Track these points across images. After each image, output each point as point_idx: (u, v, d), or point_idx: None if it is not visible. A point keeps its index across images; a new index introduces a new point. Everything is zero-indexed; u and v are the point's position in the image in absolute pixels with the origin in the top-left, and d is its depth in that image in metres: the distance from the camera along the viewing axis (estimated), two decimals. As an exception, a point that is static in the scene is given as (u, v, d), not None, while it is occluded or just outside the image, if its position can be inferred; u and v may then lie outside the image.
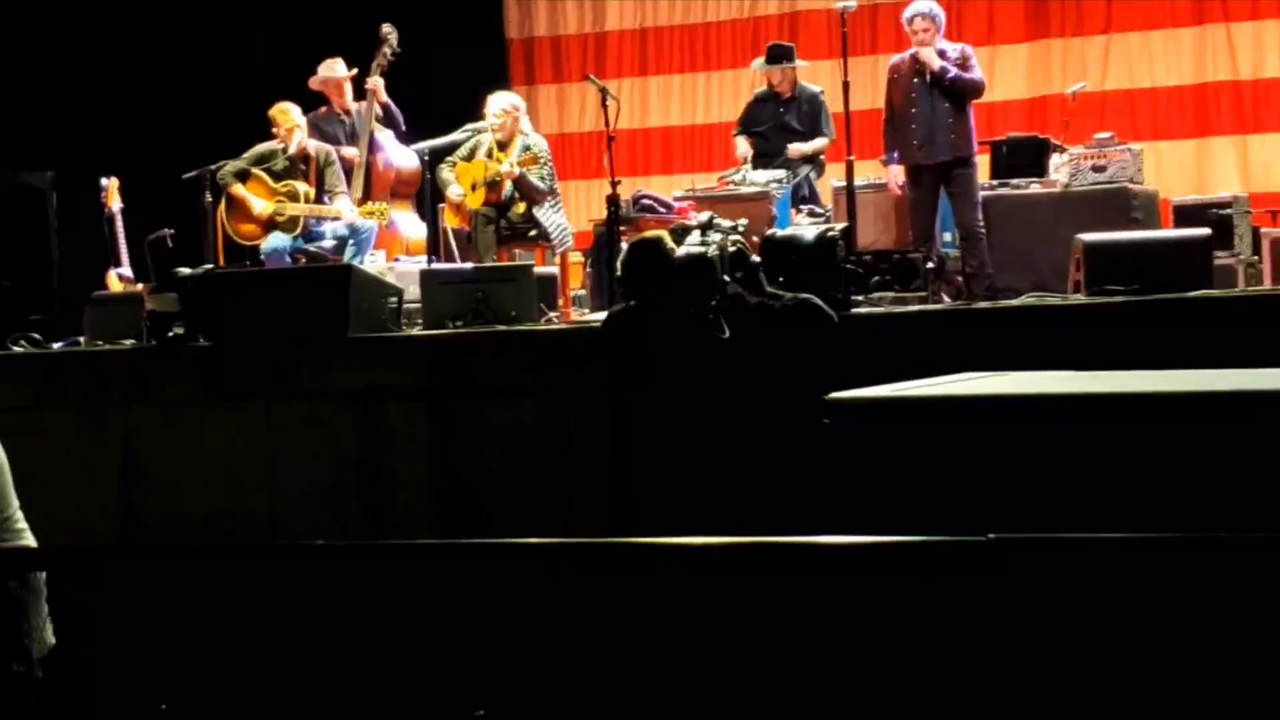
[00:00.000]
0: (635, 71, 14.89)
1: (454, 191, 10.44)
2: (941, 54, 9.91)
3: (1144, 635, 2.90)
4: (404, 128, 11.27)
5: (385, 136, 11.24)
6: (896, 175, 10.27)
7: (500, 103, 10.57)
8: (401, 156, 11.09)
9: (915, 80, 9.92)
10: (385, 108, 11.28)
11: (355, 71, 11.31)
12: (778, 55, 11.38)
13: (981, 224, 9.84)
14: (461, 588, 4.10)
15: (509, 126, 10.45)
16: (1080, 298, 7.55)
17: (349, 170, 11.09)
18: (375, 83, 11.20)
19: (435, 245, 10.65)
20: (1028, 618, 2.89)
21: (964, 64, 9.93)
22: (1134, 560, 2.73)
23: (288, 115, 10.84)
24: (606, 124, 9.80)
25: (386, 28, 11.25)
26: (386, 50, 11.21)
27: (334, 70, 11.37)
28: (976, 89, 9.96)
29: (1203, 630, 2.89)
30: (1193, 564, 2.73)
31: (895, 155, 10.22)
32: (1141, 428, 3.50)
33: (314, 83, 11.42)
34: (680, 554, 3.16)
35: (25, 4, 13.32)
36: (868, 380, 4.23)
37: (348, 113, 11.39)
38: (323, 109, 11.48)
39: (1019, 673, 2.94)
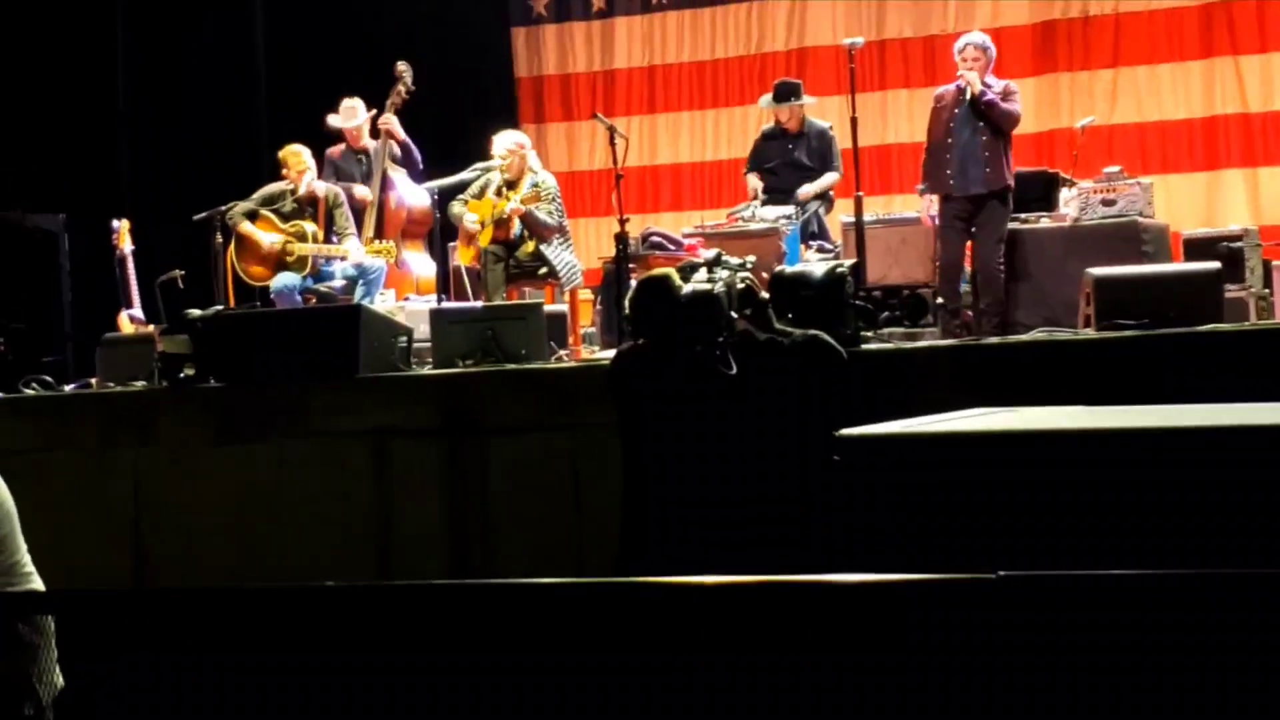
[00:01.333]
0: (644, 109, 14.94)
1: (469, 219, 10.44)
2: (988, 87, 9.89)
3: (1155, 674, 2.89)
4: (421, 165, 11.27)
5: (398, 175, 11.25)
6: (929, 206, 10.26)
7: (505, 142, 10.60)
8: (414, 195, 11.10)
9: (957, 110, 9.88)
10: (404, 146, 11.29)
11: (374, 113, 11.32)
12: (785, 93, 11.40)
13: (1002, 263, 9.77)
14: (471, 629, 4.08)
15: (516, 165, 10.47)
16: (1090, 332, 7.53)
17: (361, 209, 11.11)
18: (388, 120, 11.22)
19: (445, 284, 10.67)
20: (1036, 656, 2.88)
21: (1005, 96, 9.92)
22: (1144, 598, 2.72)
23: (299, 158, 10.88)
24: (615, 162, 9.82)
25: (401, 66, 11.26)
26: (401, 88, 11.23)
27: (354, 111, 11.37)
28: (1010, 119, 9.91)
29: (1216, 667, 2.88)
30: (1203, 601, 2.71)
31: (929, 185, 10.21)
32: (1152, 463, 3.49)
33: (333, 122, 11.42)
34: (690, 593, 3.15)
35: (36, 48, 13.37)
36: (877, 416, 4.22)
37: (365, 152, 11.40)
38: (339, 147, 11.50)
39: (1027, 712, 2.92)
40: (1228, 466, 3.43)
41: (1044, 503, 3.50)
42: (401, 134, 11.23)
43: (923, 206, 10.60)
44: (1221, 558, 3.28)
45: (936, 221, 10.16)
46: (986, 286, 9.79)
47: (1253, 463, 3.43)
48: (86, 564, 7.81)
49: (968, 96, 9.83)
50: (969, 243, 9.92)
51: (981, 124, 9.79)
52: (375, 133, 11.35)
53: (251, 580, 7.69)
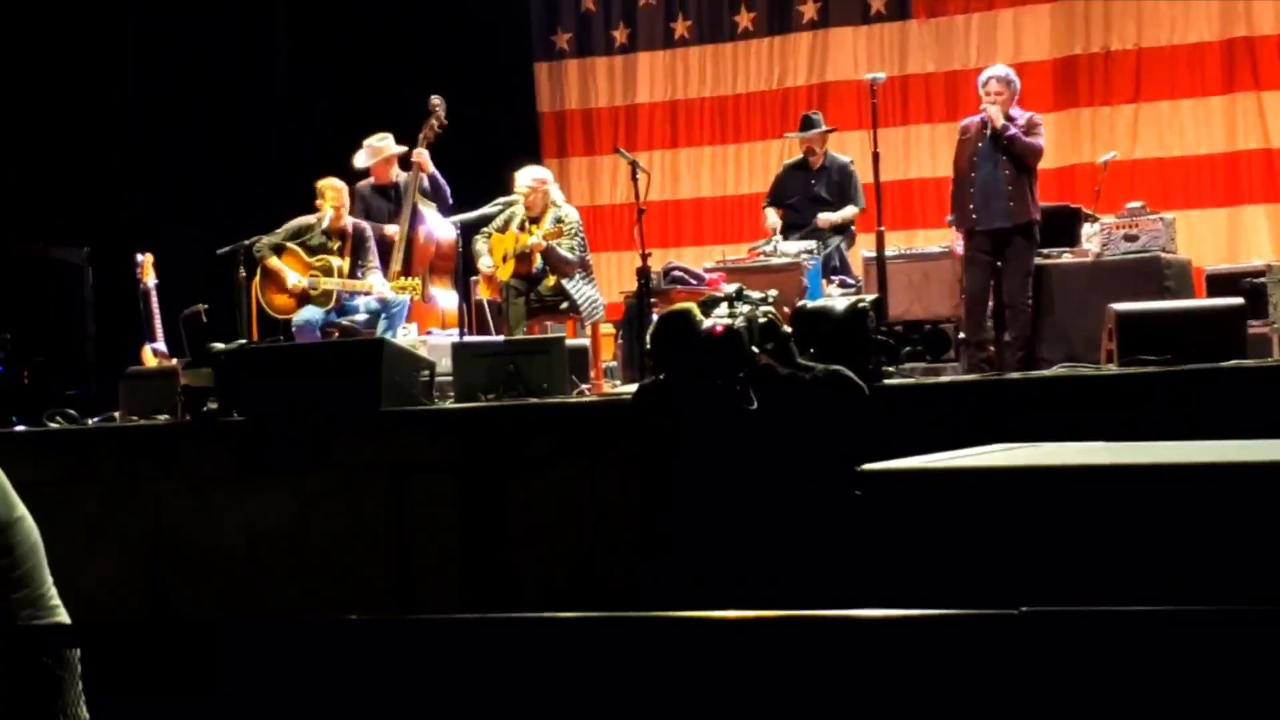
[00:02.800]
0: (666, 144, 14.97)
1: (484, 264, 10.49)
2: (1011, 120, 9.89)
3: (1181, 712, 2.88)
4: (450, 200, 11.25)
5: (428, 210, 11.23)
6: (958, 238, 10.25)
7: (527, 177, 10.62)
8: (442, 230, 11.07)
9: (980, 144, 9.88)
10: (433, 180, 11.26)
11: (405, 149, 11.32)
12: (810, 122, 11.46)
13: (1030, 298, 9.74)
14: (491, 662, 4.09)
15: (539, 200, 10.49)
16: (1113, 368, 7.52)
17: (390, 244, 11.11)
18: (421, 154, 11.21)
19: (468, 318, 10.68)
20: (1059, 693, 2.87)
21: (1029, 129, 9.91)
22: (1168, 635, 2.71)
23: (338, 192, 10.85)
24: (637, 196, 9.83)
25: (435, 99, 11.23)
26: (434, 122, 11.21)
27: (386, 146, 11.36)
28: (1034, 153, 9.89)
29: (1242, 705, 2.87)
30: (1228, 638, 2.71)
31: (955, 217, 10.20)
32: (1175, 499, 3.48)
33: (362, 159, 11.40)
34: (711, 627, 3.15)
35: (61, 81, 13.44)
36: (899, 452, 4.22)
37: (395, 186, 11.39)
38: (368, 181, 11.49)
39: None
40: (1251, 503, 3.42)
41: (1067, 538, 3.49)
42: (431, 167, 11.23)
43: (952, 237, 10.59)
44: (1246, 595, 3.27)
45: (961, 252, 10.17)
46: (1013, 321, 9.75)
47: (1277, 499, 3.42)
48: (107, 597, 7.82)
49: (989, 131, 9.83)
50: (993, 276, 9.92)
51: (1005, 158, 9.78)
52: (406, 165, 11.35)
53: (271, 611, 7.70)
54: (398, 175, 11.39)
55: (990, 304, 9.90)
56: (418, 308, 10.95)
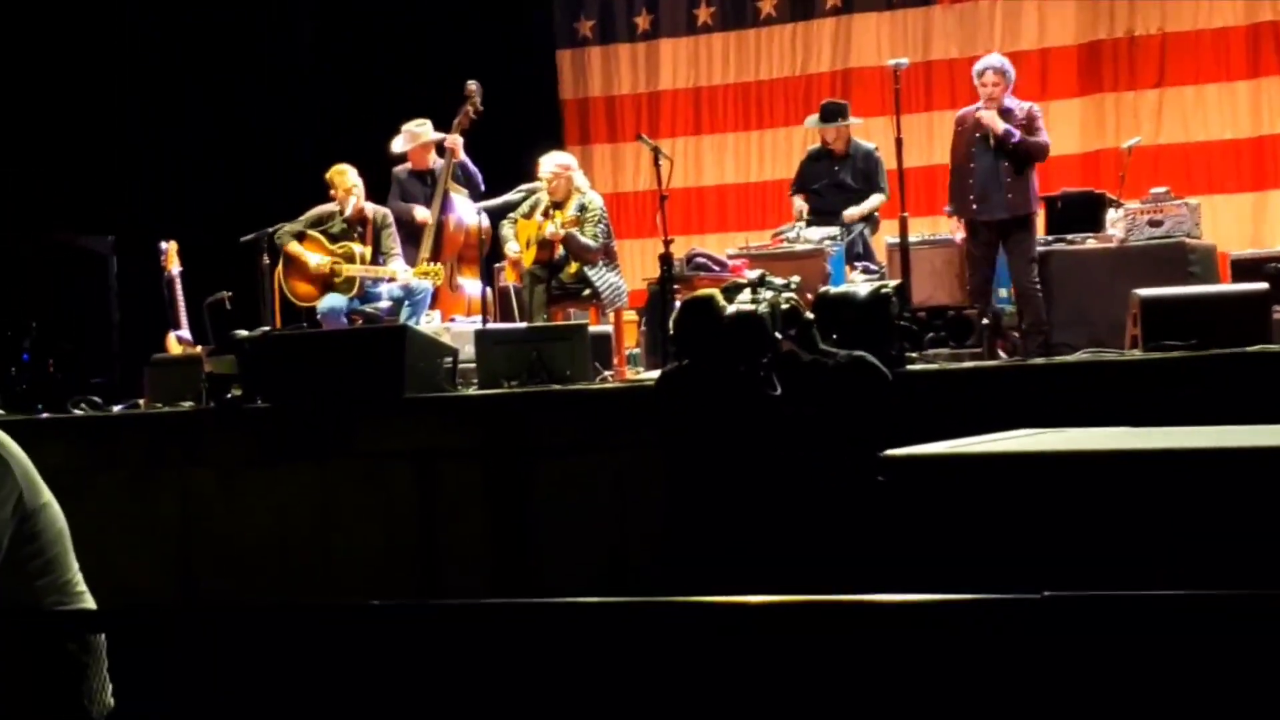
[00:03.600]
0: (689, 130, 14.96)
1: (511, 249, 10.51)
2: (1008, 112, 9.88)
3: (1204, 696, 2.87)
4: (483, 187, 11.24)
5: (458, 197, 11.23)
6: (957, 228, 10.30)
7: (551, 163, 10.62)
8: (472, 217, 11.04)
9: (977, 135, 9.90)
10: (464, 167, 11.26)
11: (442, 135, 11.31)
12: (832, 113, 11.41)
13: (1038, 282, 9.81)
14: (517, 647, 4.09)
15: (562, 186, 10.49)
16: (1137, 353, 7.50)
17: (420, 228, 11.11)
18: (455, 140, 11.20)
19: (492, 304, 10.68)
20: (1082, 677, 2.87)
21: (1030, 125, 9.89)
22: (1191, 619, 2.71)
23: (345, 176, 10.93)
24: (659, 183, 9.83)
25: (472, 85, 11.21)
26: (470, 109, 11.19)
27: (422, 131, 11.36)
28: (1041, 151, 9.92)
29: (1265, 690, 2.86)
30: (1252, 623, 2.70)
31: (954, 208, 10.22)
32: (1200, 484, 3.47)
33: (400, 144, 11.42)
34: (735, 613, 3.15)
35: (85, 72, 13.48)
36: (923, 437, 4.21)
37: (430, 172, 11.39)
38: (405, 165, 11.50)
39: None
40: (1276, 488, 3.42)
41: (1090, 524, 3.49)
42: (462, 154, 11.23)
43: (951, 227, 10.62)
44: (1271, 579, 3.27)
45: (963, 241, 10.21)
46: (1026, 307, 9.82)
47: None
48: (133, 583, 7.84)
49: (991, 141, 9.81)
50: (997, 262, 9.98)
51: (1003, 149, 9.80)
52: (441, 152, 11.35)
53: (297, 597, 7.73)
54: (434, 161, 11.40)
55: (1000, 293, 9.96)
56: (444, 295, 10.97)
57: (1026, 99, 10.60)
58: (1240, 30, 13.09)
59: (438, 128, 11.34)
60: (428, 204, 11.25)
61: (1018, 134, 9.78)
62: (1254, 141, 13.06)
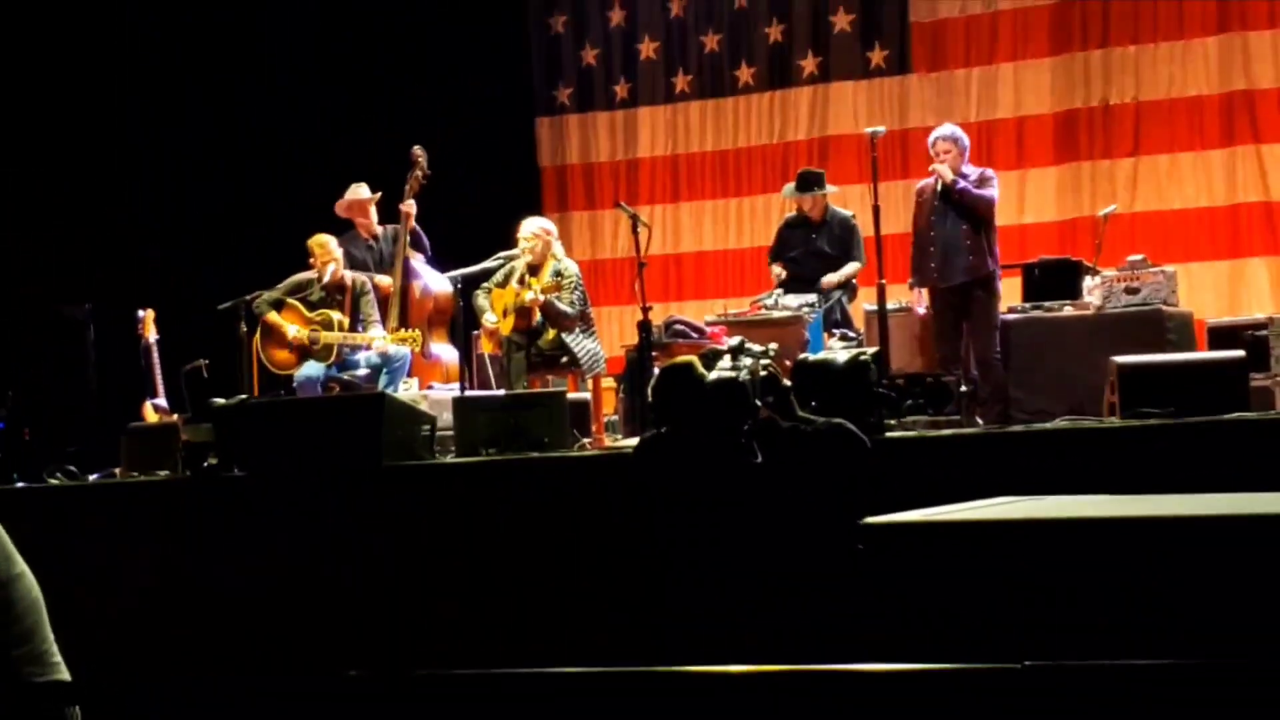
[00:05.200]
0: (667, 197, 15.02)
1: (488, 319, 10.51)
2: (964, 177, 10.02)
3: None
4: (430, 254, 11.33)
5: (419, 263, 11.29)
6: (920, 298, 10.37)
7: (532, 226, 10.65)
8: (438, 283, 11.12)
9: (937, 203, 10.04)
10: (414, 233, 11.33)
11: (380, 195, 11.40)
12: (808, 182, 11.45)
13: (999, 352, 9.89)
14: (497, 716, 4.06)
15: (541, 250, 10.51)
16: (1115, 421, 7.51)
17: (384, 297, 11.15)
18: (409, 205, 11.27)
19: (469, 372, 10.68)
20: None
21: (980, 183, 10.04)
22: (1173, 690, 2.70)
23: (326, 248, 10.94)
24: (637, 250, 9.86)
25: (417, 150, 11.34)
26: (418, 173, 11.28)
27: (358, 192, 11.47)
28: (985, 205, 10.05)
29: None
30: (1231, 692, 2.69)
31: (916, 279, 10.31)
32: (1178, 552, 3.47)
33: (340, 208, 11.52)
34: (715, 682, 3.13)
35: (61, 140, 13.49)
36: (902, 505, 4.20)
37: (375, 237, 11.46)
38: (349, 233, 11.56)
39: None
40: (1255, 556, 3.41)
41: (1070, 592, 3.48)
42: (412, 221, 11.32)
43: (913, 299, 10.69)
44: (1250, 648, 3.26)
45: (925, 313, 10.28)
46: (986, 376, 9.90)
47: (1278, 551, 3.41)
48: (109, 652, 7.78)
49: (939, 188, 9.97)
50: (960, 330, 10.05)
51: (960, 214, 9.92)
52: (392, 217, 11.42)
53: (273, 667, 7.68)
54: (378, 227, 11.49)
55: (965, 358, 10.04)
56: (418, 362, 10.97)
57: (1003, 168, 10.72)
58: (1214, 99, 13.18)
59: (392, 195, 11.42)
60: (376, 269, 11.31)
61: (963, 183, 9.94)
62: (1229, 209, 13.13)
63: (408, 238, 11.27)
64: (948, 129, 10.36)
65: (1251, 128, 13.06)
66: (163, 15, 14.01)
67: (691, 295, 14.68)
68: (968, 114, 13.60)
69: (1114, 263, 10.68)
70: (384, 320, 11.01)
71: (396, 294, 11.14)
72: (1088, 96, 13.56)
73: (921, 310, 10.36)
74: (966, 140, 10.26)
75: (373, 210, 11.49)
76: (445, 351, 11.15)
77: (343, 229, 11.55)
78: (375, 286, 11.15)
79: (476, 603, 7.67)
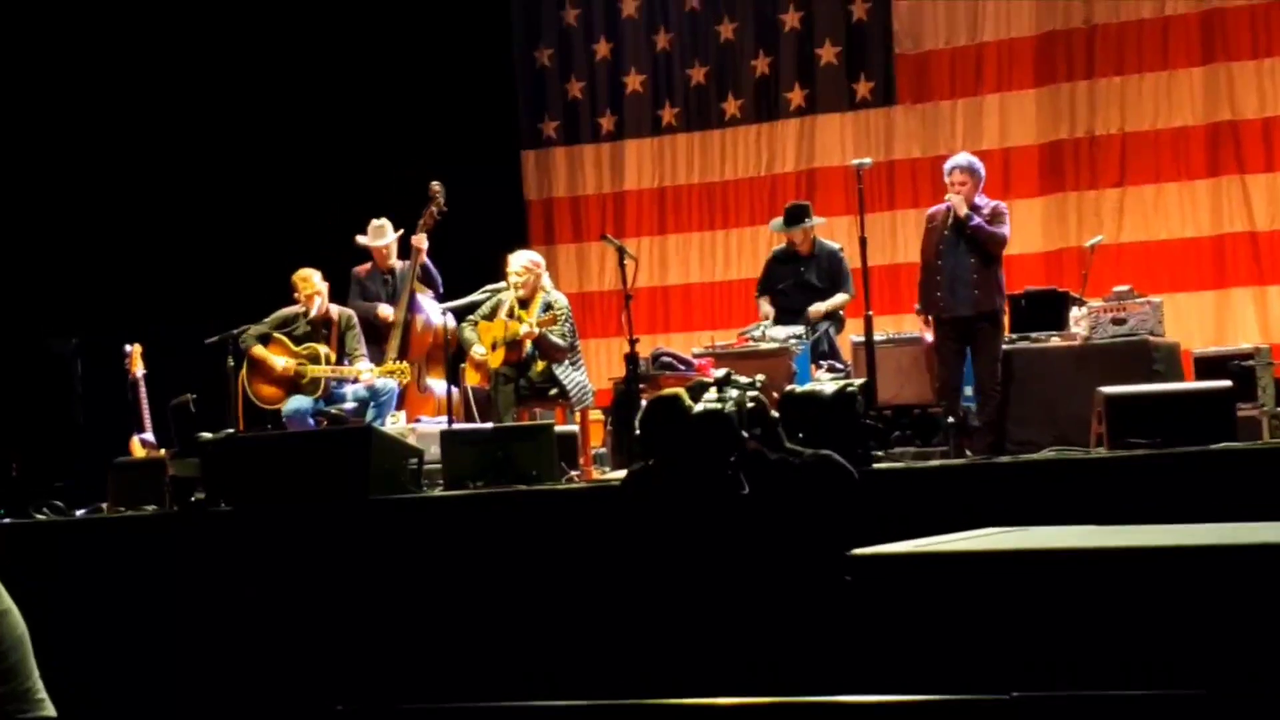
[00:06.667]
0: (654, 230, 15.03)
1: (477, 351, 10.50)
2: (976, 209, 9.99)
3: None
4: (441, 289, 11.30)
5: (424, 297, 11.27)
6: (930, 325, 10.35)
7: (521, 260, 10.66)
8: (439, 318, 11.10)
9: (946, 233, 10.00)
10: (424, 268, 11.32)
11: (402, 233, 11.38)
12: (796, 216, 11.47)
13: (999, 384, 9.88)
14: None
15: (531, 283, 10.52)
16: (1102, 451, 7.51)
17: (385, 328, 11.13)
18: (420, 240, 11.26)
19: (459, 405, 10.67)
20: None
21: (994, 217, 10.01)
22: (1157, 718, 2.70)
23: (309, 281, 10.95)
24: (624, 283, 9.86)
25: (436, 185, 11.30)
26: (434, 209, 11.25)
27: (383, 234, 11.43)
28: (997, 241, 10.01)
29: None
30: (1220, 721, 2.69)
31: (923, 306, 10.28)
32: (1166, 583, 3.47)
33: (361, 241, 11.48)
34: (704, 715, 3.13)
35: (47, 172, 13.49)
36: (889, 536, 4.20)
37: (391, 272, 11.44)
38: (366, 265, 11.55)
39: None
40: (1242, 586, 3.41)
41: (1058, 623, 3.48)
42: (424, 256, 11.29)
43: (920, 326, 10.69)
44: (1236, 679, 3.25)
45: (933, 340, 10.27)
46: (984, 405, 9.89)
47: (1268, 582, 3.41)
48: (97, 691, 7.75)
49: (952, 219, 9.94)
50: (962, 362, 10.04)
51: (970, 247, 9.90)
52: (405, 253, 11.39)
53: (262, 700, 7.65)
54: (394, 260, 11.44)
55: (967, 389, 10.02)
56: (412, 395, 10.96)
57: (990, 198, 10.69)
58: (1199, 130, 13.22)
59: (402, 227, 11.39)
60: (390, 302, 11.27)
61: (976, 218, 9.89)
62: (1215, 240, 13.15)
63: (417, 271, 11.23)
64: (964, 159, 10.30)
65: (1236, 158, 13.10)
66: (147, 46, 14.00)
67: (679, 327, 14.67)
68: (953, 145, 13.62)
69: (1100, 293, 10.69)
70: (384, 352, 10.99)
71: (399, 327, 11.11)
72: (1073, 128, 13.60)
73: (929, 338, 10.34)
74: (983, 171, 10.23)
75: (393, 247, 11.46)
76: (440, 387, 11.12)
77: (357, 260, 11.54)
78: (376, 316, 11.14)
79: (463, 636, 7.64)
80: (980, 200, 10.08)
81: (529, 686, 7.31)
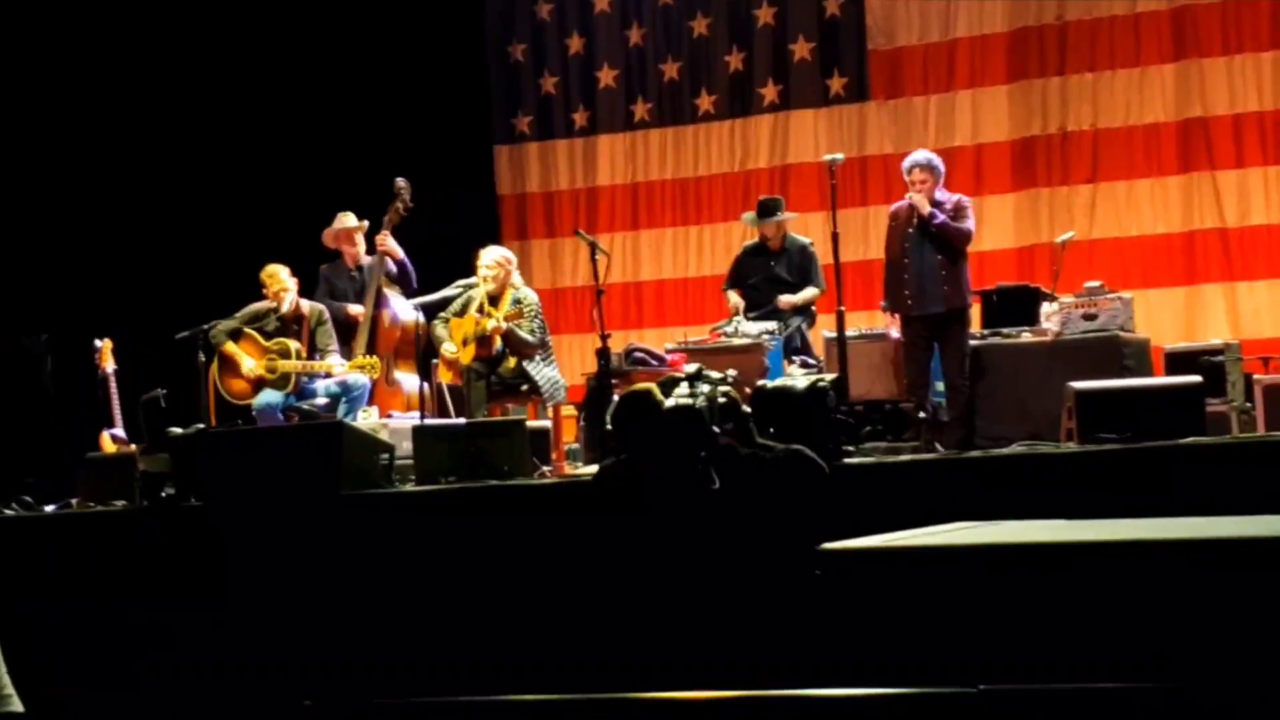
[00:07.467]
0: (627, 226, 15.02)
1: (447, 349, 10.48)
2: (938, 204, 9.97)
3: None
4: (415, 285, 11.26)
5: (392, 293, 11.23)
6: (893, 322, 10.36)
7: (492, 255, 10.64)
8: (407, 313, 11.04)
9: (910, 230, 9.99)
10: (400, 264, 11.26)
11: (367, 224, 11.34)
12: (768, 209, 11.47)
13: (967, 379, 9.89)
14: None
15: (501, 279, 10.50)
16: (1073, 446, 7.53)
17: (354, 325, 11.10)
18: (385, 237, 11.21)
19: (430, 400, 10.64)
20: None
21: (957, 213, 9.99)
22: (1126, 712, 2.70)
23: (276, 277, 10.92)
24: (596, 279, 9.85)
25: (401, 182, 11.26)
26: (399, 205, 11.22)
27: (344, 221, 11.40)
28: (963, 238, 10.00)
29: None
30: (1185, 715, 2.70)
31: (889, 303, 10.29)
32: (1134, 577, 3.48)
33: (327, 237, 11.44)
34: (676, 708, 3.13)
35: (16, 168, 13.44)
36: (860, 530, 4.21)
37: (359, 267, 11.40)
38: (334, 262, 11.51)
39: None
40: (1210, 579, 3.42)
41: (1026, 617, 3.48)
42: (399, 252, 11.24)
43: (886, 322, 10.69)
44: (1203, 671, 3.26)
45: (899, 337, 10.27)
46: (953, 401, 9.89)
47: (1236, 576, 3.42)
48: (64, 684, 7.73)
49: (916, 221, 9.94)
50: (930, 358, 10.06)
51: (936, 244, 9.89)
52: (371, 249, 11.36)
53: (233, 699, 7.63)
54: (361, 256, 11.41)
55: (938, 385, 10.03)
56: (381, 390, 10.92)
57: (961, 194, 10.68)
58: (1171, 126, 13.25)
59: (370, 224, 11.36)
60: (356, 299, 11.24)
61: (941, 216, 9.88)
62: (1185, 236, 13.19)
63: (382, 267, 11.19)
64: (922, 156, 10.27)
65: (1207, 154, 13.13)
66: (116, 44, 13.96)
67: (651, 323, 14.67)
68: (926, 141, 13.62)
69: (1072, 289, 10.70)
70: (352, 348, 10.96)
71: (366, 322, 11.08)
72: (1045, 124, 13.62)
73: (895, 334, 10.35)
74: (942, 167, 10.20)
75: (359, 239, 11.41)
76: (409, 380, 11.09)
77: (329, 257, 11.51)
78: (346, 315, 11.11)
79: (435, 631, 7.63)
80: (941, 195, 10.05)
81: (501, 681, 7.30)
